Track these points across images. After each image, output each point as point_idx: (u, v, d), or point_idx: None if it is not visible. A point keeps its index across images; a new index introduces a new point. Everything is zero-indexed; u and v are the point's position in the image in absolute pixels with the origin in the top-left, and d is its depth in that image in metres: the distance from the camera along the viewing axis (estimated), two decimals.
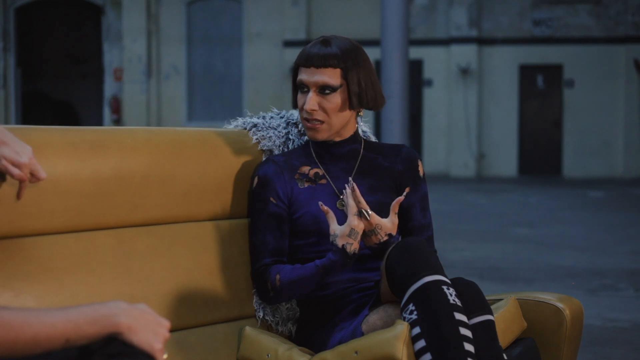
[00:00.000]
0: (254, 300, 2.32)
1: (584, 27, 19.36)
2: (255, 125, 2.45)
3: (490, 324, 2.06)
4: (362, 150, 2.38)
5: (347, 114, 2.29)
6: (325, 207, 2.13)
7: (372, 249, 2.18)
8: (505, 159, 19.62)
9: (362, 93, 2.27)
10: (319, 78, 2.24)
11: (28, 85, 21.44)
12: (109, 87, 20.85)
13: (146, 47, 20.55)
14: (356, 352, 1.97)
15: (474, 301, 2.07)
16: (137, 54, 20.55)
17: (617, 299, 5.64)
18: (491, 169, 19.65)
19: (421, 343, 1.95)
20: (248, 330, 2.20)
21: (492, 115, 19.62)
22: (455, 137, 19.56)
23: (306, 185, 2.32)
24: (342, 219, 2.23)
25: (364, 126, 2.47)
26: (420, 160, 2.43)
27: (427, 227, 2.38)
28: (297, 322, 2.37)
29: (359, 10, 19.68)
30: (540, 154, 19.65)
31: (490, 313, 2.08)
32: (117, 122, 20.59)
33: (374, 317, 2.13)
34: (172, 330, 2.08)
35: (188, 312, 2.18)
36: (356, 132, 2.37)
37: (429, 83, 19.81)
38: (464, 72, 19.40)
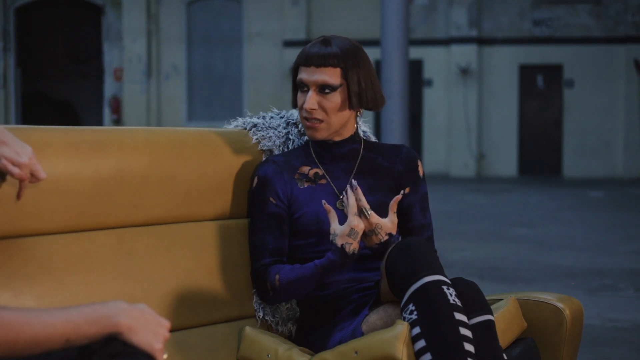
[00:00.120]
0: (254, 300, 2.32)
1: (584, 27, 19.36)
2: (255, 125, 2.45)
3: (490, 324, 2.06)
4: (361, 151, 2.38)
5: (347, 113, 2.29)
6: (328, 206, 2.13)
7: (372, 249, 2.18)
8: (505, 159, 19.62)
9: (362, 93, 2.27)
10: (318, 77, 2.24)
11: (28, 85, 21.44)
12: (109, 87, 20.85)
13: (146, 47, 20.55)
14: (356, 352, 1.97)
15: (474, 301, 2.07)
16: (137, 54, 20.55)
17: (617, 299, 5.64)
18: (491, 169, 19.65)
19: (421, 343, 1.95)
20: (248, 330, 2.20)
21: (492, 115, 19.62)
22: (455, 137, 19.56)
23: (306, 185, 2.32)
24: (342, 219, 2.23)
25: (364, 126, 2.47)
26: (420, 160, 2.44)
27: (427, 227, 2.38)
28: (297, 322, 2.37)
29: (359, 10, 19.68)
30: (540, 154, 19.65)
31: (490, 313, 2.08)
32: (117, 122, 20.59)
33: (374, 317, 2.13)
34: (172, 330, 2.08)
35: (188, 312, 2.18)
36: (356, 132, 2.37)
37: (429, 83, 19.81)
38: (464, 72, 19.40)
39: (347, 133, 2.34)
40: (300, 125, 2.47)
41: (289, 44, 20.13)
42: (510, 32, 19.62)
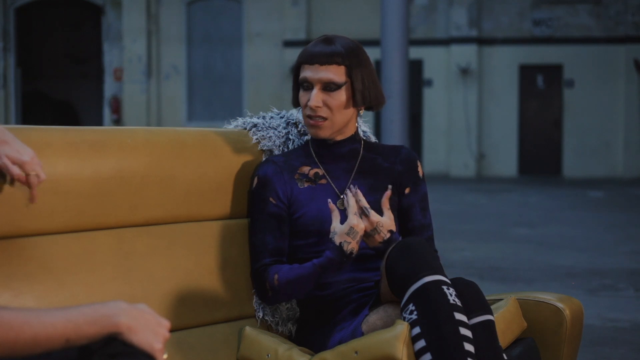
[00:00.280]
0: (254, 300, 2.32)
1: (584, 27, 19.36)
2: (255, 125, 2.45)
3: (490, 324, 2.06)
4: (362, 151, 2.38)
5: (350, 111, 2.30)
6: (332, 205, 2.14)
7: (377, 249, 2.18)
8: (505, 159, 19.62)
9: (365, 91, 2.28)
10: (323, 75, 2.24)
11: (28, 85, 21.43)
12: (109, 87, 20.85)
13: (146, 47, 20.55)
14: (356, 352, 1.97)
15: (474, 301, 2.07)
16: (137, 54, 20.55)
17: (617, 299, 5.64)
18: (491, 169, 19.65)
19: (421, 343, 1.95)
20: (248, 330, 2.20)
21: (492, 115, 19.62)
22: (455, 137, 19.55)
23: (306, 185, 2.32)
24: (344, 219, 2.23)
25: (364, 126, 2.48)
26: (420, 161, 2.44)
27: (427, 227, 2.38)
28: (297, 322, 2.37)
29: (359, 10, 19.68)
30: (540, 154, 19.65)
31: (490, 313, 2.08)
32: (117, 122, 20.59)
33: (374, 317, 2.13)
34: (172, 330, 2.08)
35: (188, 312, 2.18)
36: (356, 132, 2.37)
37: (429, 83, 19.81)
38: (464, 72, 19.40)
39: (349, 132, 2.35)
40: (300, 125, 2.47)
41: (289, 44, 20.13)
42: (510, 32, 19.62)
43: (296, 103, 2.36)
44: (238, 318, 2.30)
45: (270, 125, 2.45)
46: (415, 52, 17.42)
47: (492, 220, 10.52)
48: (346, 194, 2.15)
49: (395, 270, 2.05)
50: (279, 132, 2.44)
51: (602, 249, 7.93)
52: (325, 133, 2.29)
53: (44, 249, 1.95)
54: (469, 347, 1.95)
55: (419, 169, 2.40)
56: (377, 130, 13.18)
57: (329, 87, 2.25)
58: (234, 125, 2.48)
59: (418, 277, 2.00)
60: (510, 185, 16.61)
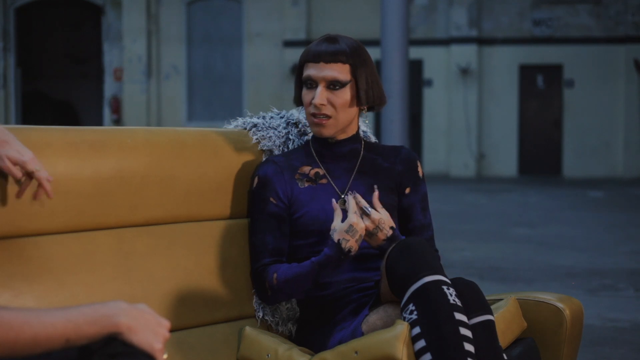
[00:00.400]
0: (254, 300, 2.32)
1: (584, 27, 19.36)
2: (255, 125, 2.45)
3: (490, 324, 2.06)
4: (362, 151, 2.38)
5: (354, 110, 2.30)
6: (336, 204, 2.14)
7: (380, 247, 2.18)
8: (505, 159, 19.62)
9: (369, 90, 2.28)
10: (328, 73, 2.24)
11: (28, 85, 21.43)
12: (109, 87, 20.85)
13: (146, 47, 20.55)
14: (356, 352, 1.97)
15: (474, 301, 2.07)
16: (137, 54, 20.55)
17: (617, 299, 5.64)
18: (491, 169, 19.65)
19: (421, 343, 1.95)
20: (248, 330, 2.20)
21: (492, 115, 19.61)
22: (455, 137, 19.55)
23: (306, 185, 2.32)
24: (346, 218, 2.23)
25: (364, 126, 2.48)
26: (419, 161, 2.44)
27: (427, 227, 2.38)
28: (297, 322, 2.37)
29: (359, 10, 19.68)
30: (540, 154, 19.65)
31: (490, 313, 2.08)
32: (117, 122, 20.59)
33: (374, 317, 2.13)
34: (172, 330, 2.08)
35: (188, 312, 2.18)
36: (358, 132, 2.38)
37: (429, 83, 19.81)
38: (464, 72, 19.40)
39: (351, 132, 2.35)
40: (300, 125, 2.47)
41: (289, 44, 20.13)
42: (510, 32, 19.62)
43: (299, 102, 2.35)
44: (238, 318, 2.30)
45: (270, 125, 2.45)
46: (415, 52, 17.42)
47: (492, 220, 10.52)
48: (347, 196, 2.15)
49: (396, 270, 2.05)
50: (279, 132, 2.44)
51: (602, 249, 7.93)
52: (328, 132, 2.29)
53: (44, 249, 1.95)
54: (469, 347, 1.95)
55: (419, 169, 2.41)
56: (377, 130, 13.19)
57: (334, 85, 2.25)
58: (234, 125, 2.48)
59: (418, 277, 2.00)
60: (510, 185, 16.61)
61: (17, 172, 1.82)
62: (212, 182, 2.29)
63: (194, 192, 2.25)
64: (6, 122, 19.88)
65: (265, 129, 2.44)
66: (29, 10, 21.23)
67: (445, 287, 1.99)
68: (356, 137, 2.37)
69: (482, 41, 19.61)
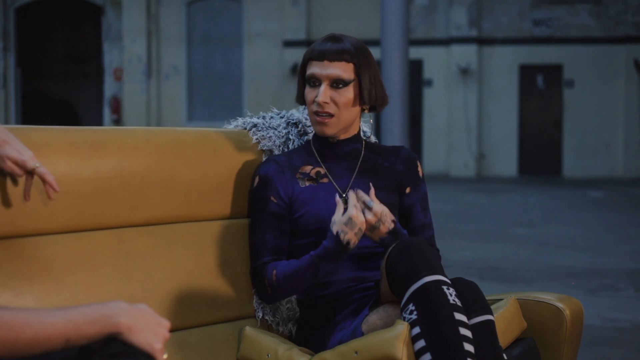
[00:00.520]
0: (254, 300, 2.32)
1: (584, 27, 19.36)
2: (255, 125, 2.45)
3: (490, 324, 2.06)
4: (363, 151, 2.39)
5: (356, 110, 2.31)
6: (339, 200, 2.15)
7: (383, 241, 2.18)
8: (505, 159, 19.62)
9: (372, 89, 2.29)
10: (332, 71, 2.25)
11: (28, 85, 21.43)
12: (109, 87, 20.85)
13: (146, 47, 20.55)
14: (356, 352, 1.97)
15: (474, 301, 2.07)
16: (137, 54, 20.55)
17: (617, 299, 5.64)
18: (491, 169, 19.65)
19: (421, 343, 1.95)
20: (248, 330, 2.20)
21: (492, 115, 19.61)
22: (455, 137, 19.55)
23: (307, 184, 2.32)
24: None
25: (364, 127, 2.48)
26: (419, 161, 2.45)
27: (428, 227, 2.39)
28: (297, 322, 2.37)
29: (359, 10, 19.67)
30: (540, 154, 19.65)
31: (490, 313, 2.08)
32: (117, 122, 20.59)
33: (374, 317, 2.13)
34: (172, 330, 2.08)
35: (188, 312, 2.18)
36: (359, 132, 2.38)
37: (429, 83, 19.81)
38: (464, 72, 19.40)
39: (353, 131, 2.35)
40: (300, 125, 2.47)
41: (289, 44, 20.13)
42: (510, 32, 19.62)
43: (301, 100, 2.36)
44: (238, 318, 2.30)
45: (270, 125, 2.45)
46: (415, 52, 17.42)
47: (492, 220, 10.52)
48: (348, 194, 2.16)
49: (396, 270, 2.05)
50: (279, 132, 2.44)
51: (602, 249, 7.93)
52: (331, 130, 2.29)
53: (44, 249, 1.95)
54: (468, 347, 1.95)
55: (419, 168, 2.41)
56: (377, 130, 13.20)
57: (337, 83, 2.26)
58: (234, 125, 2.48)
59: (418, 277, 2.00)
60: (510, 185, 16.61)
61: (19, 172, 1.83)
62: (212, 182, 2.29)
63: (194, 192, 2.25)
64: (6, 122, 19.88)
65: (265, 129, 2.44)
66: (29, 10, 21.23)
67: (445, 287, 1.99)
68: (357, 137, 2.37)
69: (482, 41, 19.61)
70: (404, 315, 2.00)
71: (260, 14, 20.40)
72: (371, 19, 18.53)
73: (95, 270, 2.03)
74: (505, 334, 2.20)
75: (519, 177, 19.26)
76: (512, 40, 19.56)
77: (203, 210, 2.28)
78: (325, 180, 2.33)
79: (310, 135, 2.46)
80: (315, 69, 2.26)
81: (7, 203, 1.88)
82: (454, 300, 1.98)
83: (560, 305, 2.33)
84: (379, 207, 2.14)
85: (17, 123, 17.78)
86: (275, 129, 2.45)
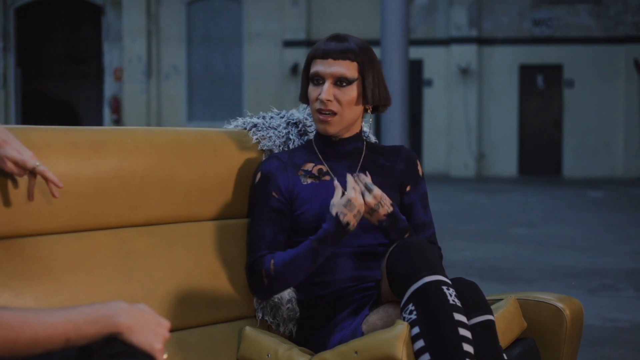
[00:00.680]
0: (254, 301, 2.32)
1: (584, 27, 19.36)
2: (255, 125, 2.45)
3: (490, 324, 2.06)
4: (364, 150, 2.39)
5: (359, 109, 2.32)
6: (337, 184, 2.17)
7: (382, 224, 2.19)
8: (505, 159, 19.62)
9: (375, 89, 2.29)
10: (336, 69, 2.25)
11: (28, 85, 21.43)
12: (109, 87, 20.85)
13: (146, 47, 20.55)
14: (356, 352, 1.97)
15: (474, 301, 2.07)
16: (137, 54, 20.55)
17: (617, 299, 5.64)
18: (491, 169, 19.65)
19: (420, 343, 1.95)
20: (248, 330, 2.20)
21: (492, 115, 19.61)
22: (455, 137, 19.56)
23: (309, 181, 2.32)
24: None
25: (365, 126, 2.49)
26: (419, 160, 2.46)
27: (429, 225, 2.39)
28: (298, 322, 2.37)
29: (359, 10, 19.68)
30: (540, 154, 19.65)
31: (491, 313, 2.08)
32: (117, 122, 20.59)
33: (374, 317, 2.13)
34: (172, 330, 2.08)
35: (188, 312, 2.18)
36: (361, 131, 2.39)
37: (429, 83, 19.81)
38: (464, 72, 19.40)
39: (355, 130, 2.36)
40: (300, 125, 2.48)
41: (289, 44, 20.13)
42: (510, 32, 19.62)
43: (304, 99, 2.36)
44: (238, 318, 2.29)
45: (270, 125, 2.45)
46: (415, 52, 17.42)
47: (492, 220, 10.52)
48: (347, 177, 2.17)
49: (396, 269, 2.05)
50: (279, 132, 2.45)
51: (602, 249, 7.93)
52: (333, 129, 2.30)
53: (44, 249, 1.95)
54: (467, 347, 1.95)
55: (419, 167, 2.43)
56: (377, 130, 13.20)
57: (341, 81, 2.26)
58: (234, 125, 2.48)
59: (418, 277, 2.00)
60: (510, 185, 16.61)
61: (19, 172, 1.83)
62: (212, 182, 2.29)
63: (194, 192, 2.25)
64: (6, 122, 19.88)
65: (265, 129, 2.44)
66: (29, 10, 21.23)
67: (445, 288, 1.99)
68: (359, 136, 2.38)
69: (482, 41, 19.61)
70: (404, 315, 2.00)
71: (260, 14, 20.41)
72: (371, 19, 18.53)
73: (95, 270, 2.03)
74: (505, 334, 2.20)
75: (519, 177, 19.27)
76: (512, 40, 19.56)
77: (203, 210, 2.28)
78: (327, 177, 2.33)
79: (311, 135, 2.46)
80: (319, 66, 2.27)
81: (7, 203, 1.88)
82: (453, 301, 1.98)
83: (560, 305, 2.33)
84: (378, 191, 2.17)
85: (17, 123, 17.78)
86: (275, 129, 2.45)
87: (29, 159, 1.82)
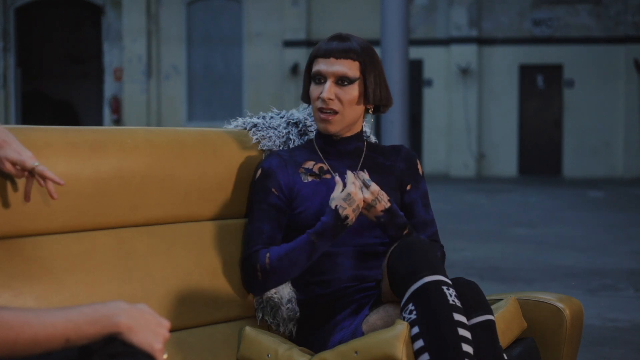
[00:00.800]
0: (254, 301, 2.32)
1: (584, 27, 19.36)
2: (255, 125, 2.45)
3: (490, 324, 2.06)
4: (364, 150, 2.40)
5: (360, 109, 2.32)
6: (338, 179, 2.19)
7: (379, 219, 2.20)
8: (505, 159, 19.62)
9: (377, 89, 2.30)
10: (338, 68, 2.26)
11: (28, 85, 21.43)
12: (109, 87, 20.85)
13: (146, 47, 20.55)
14: (356, 352, 1.97)
15: (474, 301, 2.07)
16: (137, 54, 20.55)
17: (617, 299, 5.64)
18: (491, 169, 19.65)
19: (419, 343, 1.95)
20: (248, 330, 2.20)
21: (492, 115, 19.61)
22: (455, 137, 19.56)
23: (310, 179, 2.32)
24: None
25: (365, 127, 2.49)
26: (419, 159, 2.47)
27: (430, 223, 2.39)
28: (298, 322, 2.37)
29: (359, 10, 19.67)
30: (540, 154, 19.65)
31: (491, 313, 2.08)
32: (117, 122, 20.59)
33: (374, 317, 2.13)
34: (172, 330, 2.08)
35: (188, 312, 2.18)
36: (362, 131, 2.40)
37: (429, 83, 19.81)
38: (464, 72, 19.40)
39: (356, 130, 2.37)
40: (300, 125, 2.48)
41: (289, 44, 20.13)
42: (510, 32, 19.62)
43: (306, 98, 2.36)
44: (238, 318, 2.29)
45: (270, 125, 2.45)
46: (415, 52, 17.42)
47: (492, 220, 10.52)
48: (346, 173, 2.18)
49: (396, 269, 2.05)
50: (279, 132, 2.45)
51: (602, 249, 7.93)
52: (334, 128, 2.30)
53: (44, 249, 1.95)
54: (467, 347, 1.95)
55: (419, 166, 2.43)
56: (377, 130, 13.20)
57: (342, 81, 2.27)
58: (234, 125, 2.48)
59: (418, 277, 2.00)
60: (510, 185, 16.61)
61: (18, 173, 1.83)
62: (212, 182, 2.29)
63: (194, 192, 2.25)
64: (6, 122, 19.88)
65: (265, 129, 2.44)
66: (29, 10, 21.23)
67: (445, 288, 1.99)
68: (360, 136, 2.39)
69: (482, 41, 19.61)
70: (404, 315, 2.00)
71: (260, 14, 20.41)
72: (371, 19, 18.52)
73: (95, 270, 2.03)
74: (505, 334, 2.20)
75: (519, 177, 19.27)
76: (512, 40, 19.56)
77: (203, 210, 2.28)
78: (327, 176, 2.34)
79: (311, 135, 2.46)
80: (321, 65, 2.28)
81: (7, 203, 1.88)
82: (453, 301, 1.98)
83: (560, 305, 2.33)
84: (376, 187, 2.19)
85: (17, 123, 17.77)
86: (275, 129, 2.45)
87: (28, 159, 1.82)
